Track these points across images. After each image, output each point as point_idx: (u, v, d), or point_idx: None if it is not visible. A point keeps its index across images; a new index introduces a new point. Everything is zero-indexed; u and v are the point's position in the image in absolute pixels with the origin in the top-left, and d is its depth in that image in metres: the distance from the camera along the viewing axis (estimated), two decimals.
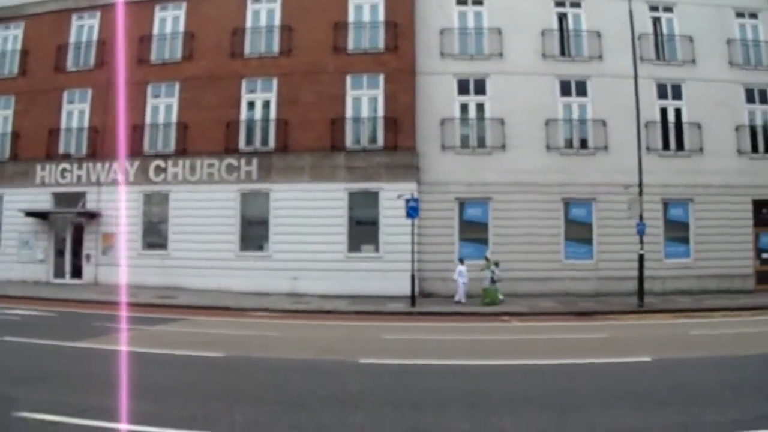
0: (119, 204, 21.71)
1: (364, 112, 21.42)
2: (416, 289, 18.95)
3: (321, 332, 13.66)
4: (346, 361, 9.47)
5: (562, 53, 22.27)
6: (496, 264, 19.27)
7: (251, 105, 21.90)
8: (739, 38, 22.80)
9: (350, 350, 10.75)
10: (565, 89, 22.05)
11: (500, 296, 18.95)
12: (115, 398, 6.41)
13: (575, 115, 22.07)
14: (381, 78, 21.33)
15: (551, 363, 9.38)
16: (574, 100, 22.06)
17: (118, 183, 21.91)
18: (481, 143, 21.73)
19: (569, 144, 22.02)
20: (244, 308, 17.84)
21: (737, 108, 22.45)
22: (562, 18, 22.48)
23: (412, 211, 18.71)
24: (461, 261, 19.69)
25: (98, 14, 23.30)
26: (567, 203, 21.69)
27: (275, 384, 7.81)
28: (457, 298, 19.22)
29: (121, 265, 21.75)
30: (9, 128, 23.69)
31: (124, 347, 10.28)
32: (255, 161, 21.33)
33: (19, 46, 23.98)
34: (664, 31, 22.75)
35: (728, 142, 22.21)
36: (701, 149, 22.14)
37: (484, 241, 21.42)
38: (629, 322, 15.82)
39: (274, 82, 21.69)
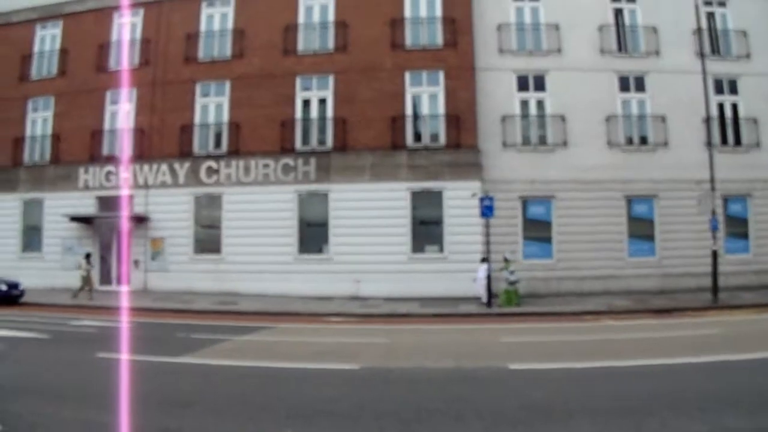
0: (169, 207, 20.97)
1: (425, 110, 20.88)
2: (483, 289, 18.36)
3: (429, 338, 12.91)
4: (495, 367, 8.85)
5: (619, 49, 21.95)
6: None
7: (306, 103, 21.22)
8: None
9: (486, 356, 10.07)
10: (623, 85, 21.73)
11: (518, 298, 18.21)
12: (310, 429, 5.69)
13: (634, 110, 21.74)
14: (441, 74, 20.81)
15: (711, 360, 8.93)
16: (633, 96, 21.74)
17: (167, 185, 21.11)
18: (543, 140, 21.31)
19: (629, 140, 21.66)
20: (316, 313, 17.17)
21: None
22: (618, 13, 22.18)
23: (487, 210, 18.19)
24: (483, 260, 18.76)
25: (141, 12, 22.52)
26: (629, 200, 21.31)
27: (454, 397, 7.02)
28: (484, 300, 18.38)
29: (172, 270, 21.03)
30: (49, 130, 22.79)
31: (240, 362, 9.47)
32: (313, 161, 20.66)
33: (57, 46, 23.11)
34: (719, 26, 22.57)
35: None
36: (758, 144, 21.90)
37: (548, 240, 20.99)
38: (717, 318, 15.32)
39: (330, 79, 21.06)
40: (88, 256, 20.15)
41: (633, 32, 22.09)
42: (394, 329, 14.25)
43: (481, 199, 18.47)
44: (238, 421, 6.03)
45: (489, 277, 18.07)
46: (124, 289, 21.33)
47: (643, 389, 7.23)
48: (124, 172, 21.64)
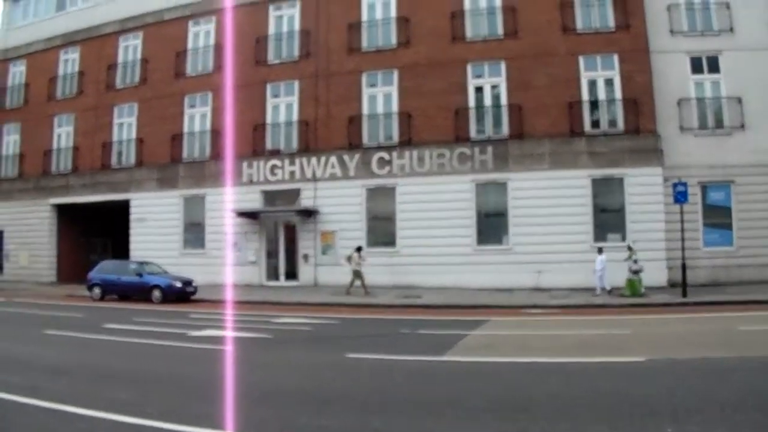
0: (339, 200, 20.77)
1: (601, 95, 20.41)
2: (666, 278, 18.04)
3: (666, 328, 12.27)
4: None
5: None
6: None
7: (479, 90, 20.87)
8: None
9: (759, 346, 9.29)
10: None
11: (642, 288, 17.62)
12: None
13: None
14: (615, 58, 20.29)
15: None
16: None
17: (336, 177, 20.90)
18: (719, 124, 20.72)
19: None
20: (508, 306, 16.64)
21: None
22: None
23: (681, 196, 17.63)
24: (600, 251, 18.35)
25: (298, 4, 22.33)
26: None
27: None
28: (598, 292, 17.92)
29: (344, 264, 20.77)
30: (208, 126, 22.72)
31: (513, 358, 8.84)
32: (489, 149, 20.30)
33: (212, 42, 22.99)
34: None
35: None
36: None
37: (728, 227, 20.44)
38: None
39: (502, 65, 20.67)
40: (359, 249, 19.30)
41: None
42: (623, 320, 13.41)
43: (674, 185, 17.95)
44: (603, 424, 5.35)
45: (684, 266, 17.49)
46: (292, 284, 21.24)
47: None
48: (290, 166, 21.46)
